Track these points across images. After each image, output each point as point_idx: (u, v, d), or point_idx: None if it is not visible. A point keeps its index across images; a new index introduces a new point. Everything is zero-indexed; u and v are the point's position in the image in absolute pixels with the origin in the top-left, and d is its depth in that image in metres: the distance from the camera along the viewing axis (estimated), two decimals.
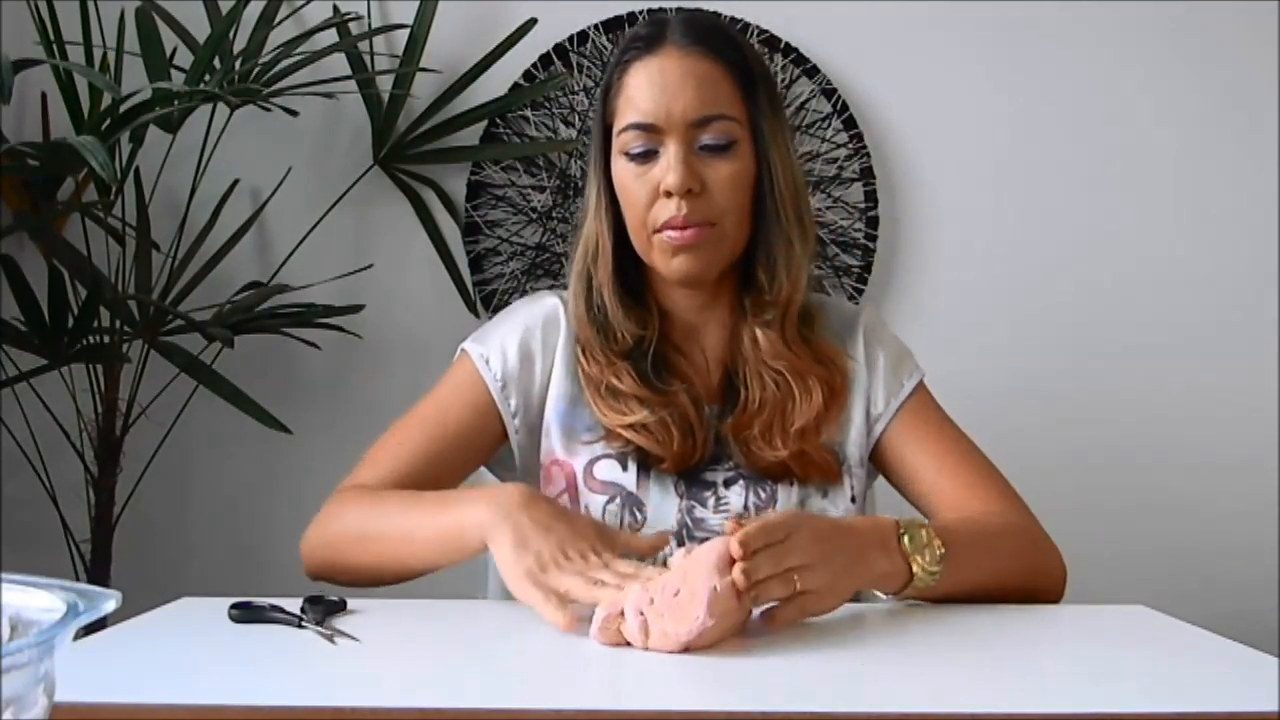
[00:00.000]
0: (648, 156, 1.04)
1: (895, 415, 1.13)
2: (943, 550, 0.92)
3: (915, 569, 0.91)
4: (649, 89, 1.03)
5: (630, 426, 1.05)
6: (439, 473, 1.06)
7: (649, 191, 1.04)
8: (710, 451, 1.08)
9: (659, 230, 1.04)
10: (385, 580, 1.00)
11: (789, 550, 0.82)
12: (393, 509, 1.00)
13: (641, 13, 2.01)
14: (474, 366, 1.11)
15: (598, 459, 1.07)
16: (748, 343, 1.09)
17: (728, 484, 1.07)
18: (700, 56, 1.04)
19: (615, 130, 1.06)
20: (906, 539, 0.92)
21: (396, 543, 0.97)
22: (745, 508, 1.06)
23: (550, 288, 1.24)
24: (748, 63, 1.07)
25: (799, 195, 1.09)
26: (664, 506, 1.06)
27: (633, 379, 1.06)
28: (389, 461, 1.06)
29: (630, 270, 1.11)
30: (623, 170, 1.06)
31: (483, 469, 1.16)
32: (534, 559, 0.86)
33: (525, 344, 1.11)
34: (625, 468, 1.06)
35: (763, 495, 1.07)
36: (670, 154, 1.03)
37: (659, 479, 1.06)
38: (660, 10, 2.01)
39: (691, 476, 1.07)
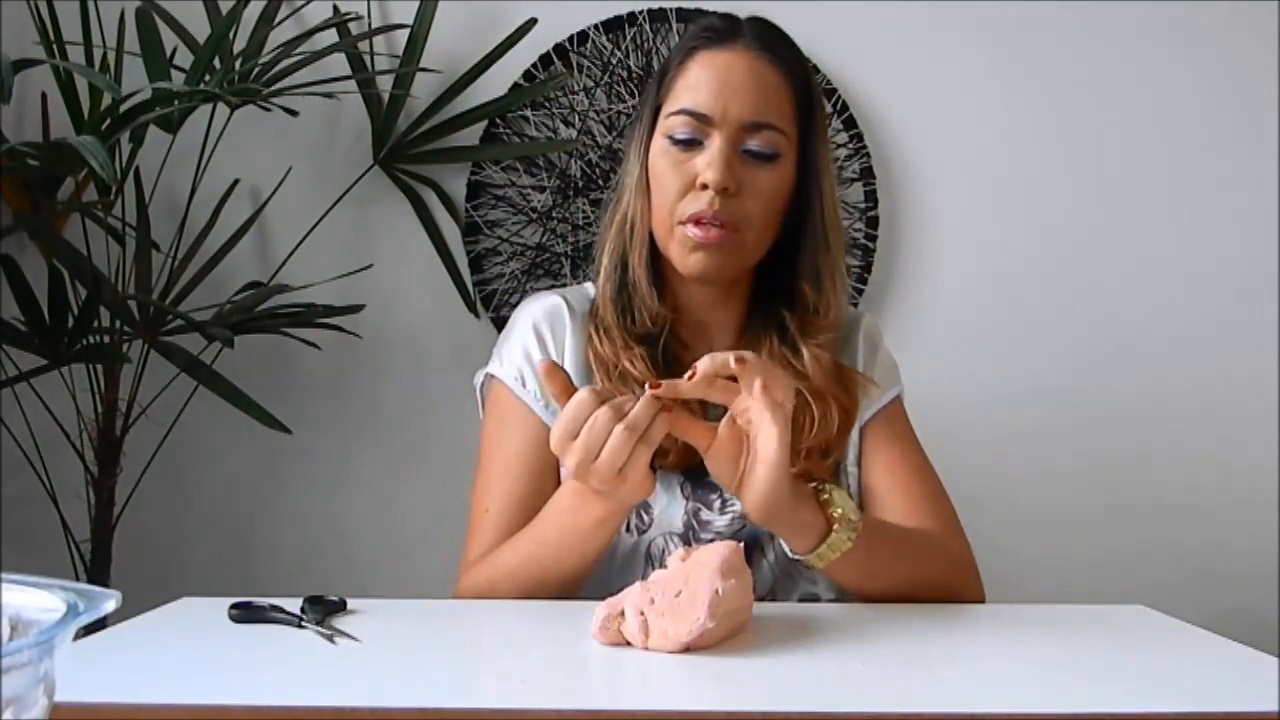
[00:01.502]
0: (690, 145, 1.04)
1: (870, 419, 1.14)
2: (859, 520, 0.92)
3: (835, 526, 0.91)
4: (712, 80, 1.04)
5: None
6: (534, 507, 1.04)
7: (684, 181, 1.04)
8: None
9: (685, 222, 1.04)
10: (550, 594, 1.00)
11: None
12: (518, 546, 1.00)
13: (641, 13, 2.01)
14: (510, 392, 1.10)
15: None
16: (767, 357, 1.07)
17: None
18: (769, 64, 1.04)
19: (665, 111, 1.06)
20: (826, 495, 0.92)
21: (543, 561, 0.98)
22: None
23: (550, 288, 1.24)
24: (810, 84, 1.08)
25: (839, 218, 1.11)
26: (670, 508, 1.05)
27: (645, 365, 1.06)
28: (489, 533, 1.05)
29: (652, 254, 1.10)
30: (662, 153, 1.06)
31: None
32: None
33: (543, 347, 1.11)
34: None
35: None
36: (714, 149, 1.02)
37: (664, 479, 1.06)
38: (660, 10, 2.01)
39: (697, 478, 1.06)
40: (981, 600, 1.06)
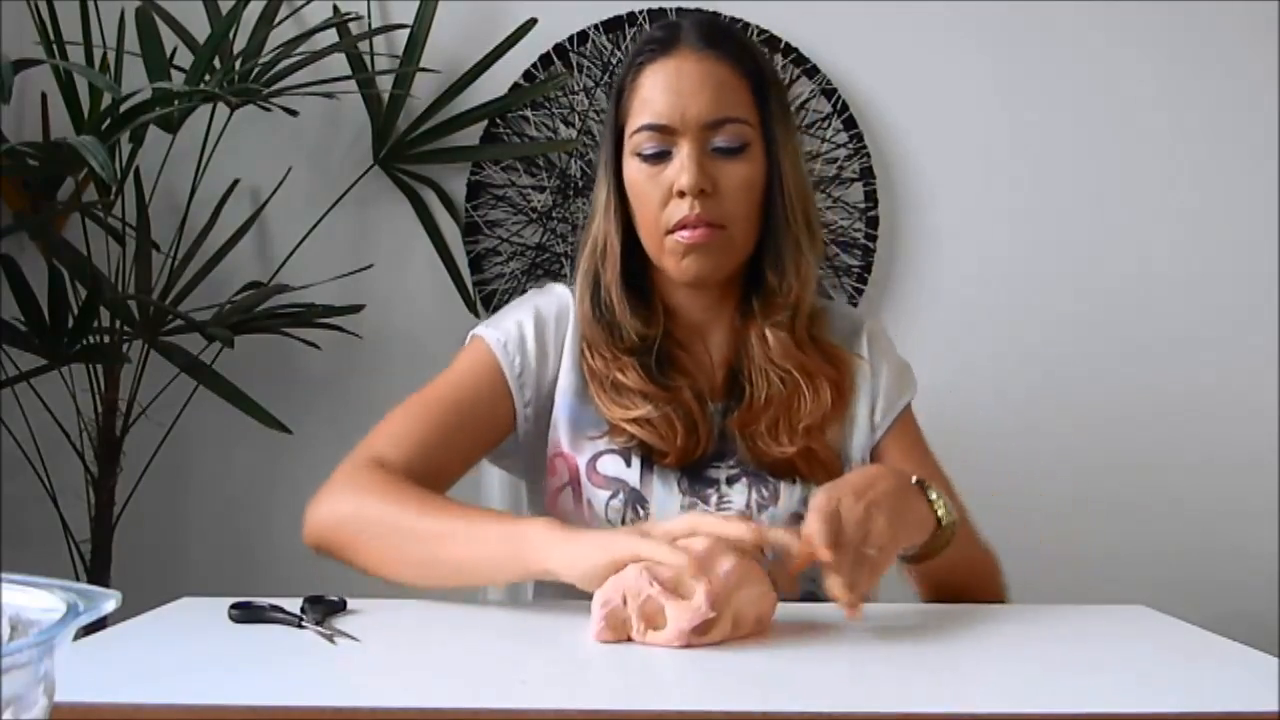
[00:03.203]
0: (660, 158, 1.05)
1: (890, 428, 1.15)
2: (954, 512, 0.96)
3: (941, 513, 0.95)
4: (664, 90, 1.04)
5: (634, 421, 1.05)
6: (449, 457, 1.05)
7: (662, 193, 1.04)
8: (714, 448, 1.08)
9: (671, 231, 1.05)
10: (397, 580, 0.95)
11: (851, 523, 0.84)
12: (428, 515, 0.93)
13: (641, 13, 2.01)
14: (490, 352, 1.10)
15: (601, 454, 1.08)
16: (755, 342, 1.09)
17: (730, 481, 1.07)
18: (715, 60, 1.05)
19: (628, 131, 1.07)
20: (924, 487, 0.96)
21: (432, 541, 0.91)
22: (747, 505, 1.06)
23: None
24: (760, 68, 1.08)
25: (807, 199, 1.10)
26: (667, 503, 1.06)
27: (638, 374, 1.07)
28: (402, 440, 1.03)
29: (637, 270, 1.11)
30: (635, 171, 1.07)
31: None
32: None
33: (541, 333, 1.11)
34: (629, 464, 1.06)
35: (765, 493, 1.07)
36: (683, 155, 1.03)
37: (662, 475, 1.06)
38: (660, 10, 2.01)
39: (694, 473, 1.07)
40: (1004, 598, 1.10)
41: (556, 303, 1.14)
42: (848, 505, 0.85)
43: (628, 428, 1.05)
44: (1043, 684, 0.73)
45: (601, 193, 1.11)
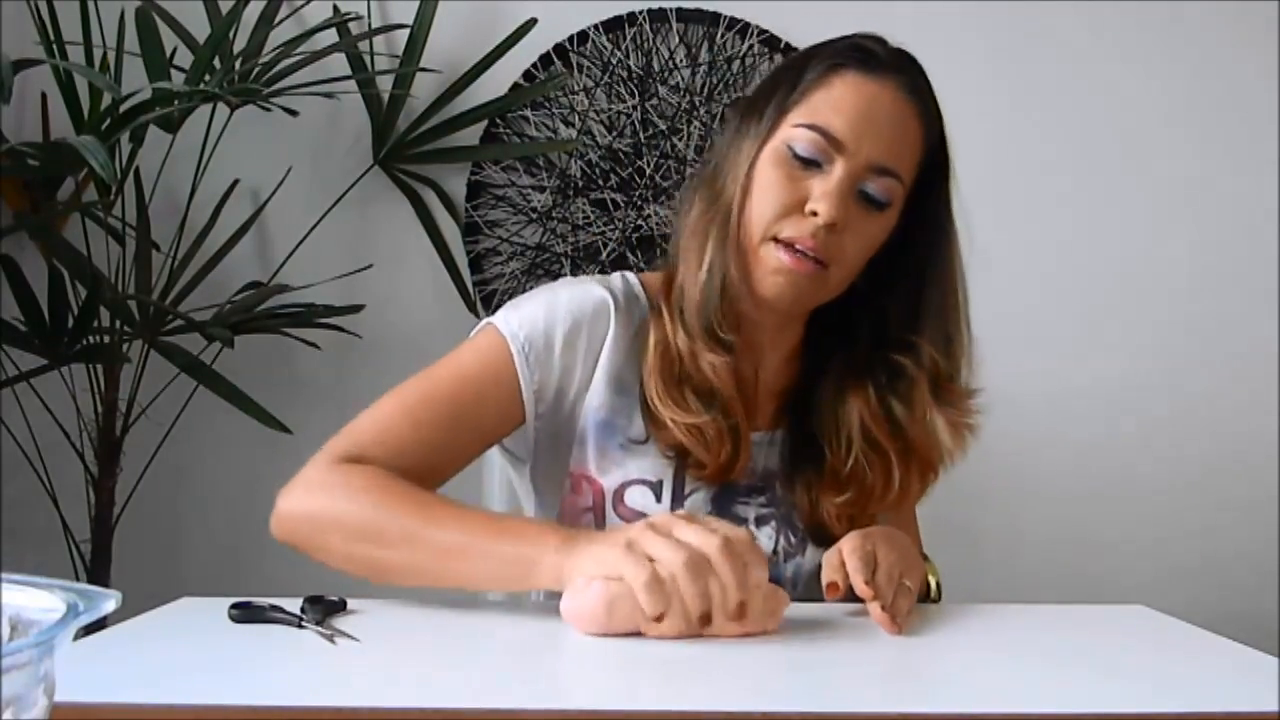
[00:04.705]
0: (809, 164, 0.97)
1: None
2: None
3: (933, 585, 1.02)
4: (855, 107, 0.97)
5: (688, 428, 0.98)
6: (441, 461, 0.98)
7: (792, 200, 0.97)
8: (745, 481, 1.04)
9: (779, 241, 0.97)
10: (382, 580, 0.91)
11: (887, 563, 0.90)
12: (432, 524, 0.88)
13: (641, 13, 2.01)
14: (506, 349, 1.00)
15: (631, 483, 1.02)
16: (859, 408, 1.04)
17: (759, 522, 1.04)
18: (911, 110, 0.99)
19: (794, 120, 0.98)
20: (926, 559, 1.03)
21: (438, 555, 0.87)
22: (774, 551, 1.03)
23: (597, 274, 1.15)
24: (942, 138, 1.03)
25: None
26: None
27: (711, 367, 0.99)
28: (390, 435, 0.96)
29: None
30: (775, 162, 0.98)
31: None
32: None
33: (570, 340, 1.01)
34: (659, 498, 1.01)
35: (793, 541, 1.04)
36: (835, 180, 0.96)
37: (690, 504, 1.02)
38: (660, 10, 2.01)
39: (723, 508, 1.03)
40: None
41: (594, 305, 1.03)
42: (883, 551, 0.90)
43: (676, 433, 0.99)
44: (1042, 684, 0.73)
45: (744, 166, 1.00)
